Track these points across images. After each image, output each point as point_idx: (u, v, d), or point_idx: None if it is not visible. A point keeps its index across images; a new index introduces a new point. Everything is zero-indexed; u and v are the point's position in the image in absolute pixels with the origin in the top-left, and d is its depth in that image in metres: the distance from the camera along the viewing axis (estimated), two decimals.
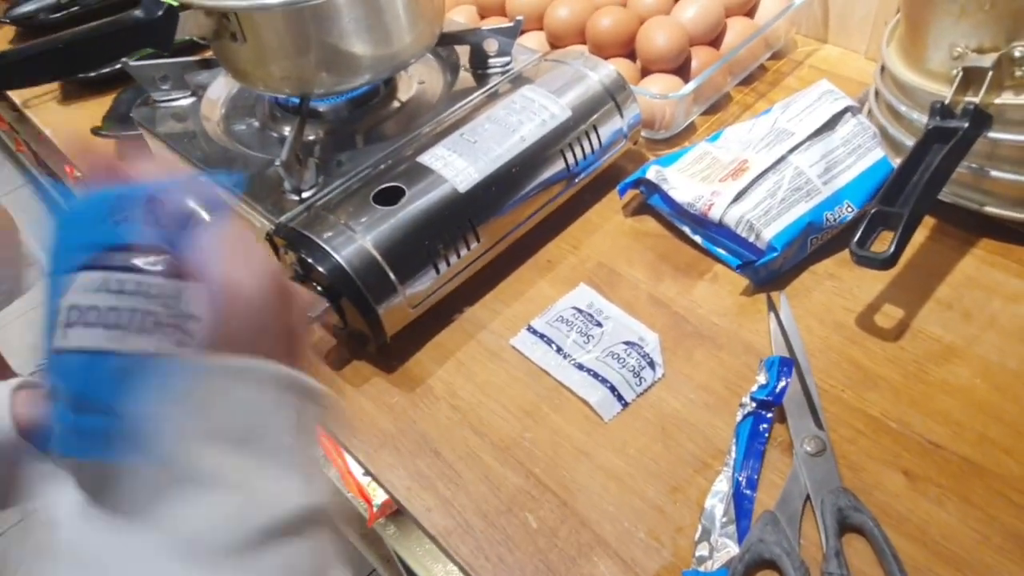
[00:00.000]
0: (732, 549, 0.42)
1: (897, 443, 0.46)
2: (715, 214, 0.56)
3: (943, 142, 0.51)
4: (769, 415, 0.47)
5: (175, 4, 0.51)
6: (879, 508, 0.43)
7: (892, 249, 0.47)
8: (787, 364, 0.48)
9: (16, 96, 0.89)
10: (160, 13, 0.49)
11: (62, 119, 0.84)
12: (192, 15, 0.52)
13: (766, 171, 0.57)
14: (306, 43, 0.55)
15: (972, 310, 0.53)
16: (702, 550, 0.43)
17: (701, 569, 0.42)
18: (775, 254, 0.54)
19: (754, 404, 0.48)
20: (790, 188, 0.56)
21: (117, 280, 0.23)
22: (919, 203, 0.48)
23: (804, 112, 0.60)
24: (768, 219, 0.55)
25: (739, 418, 0.48)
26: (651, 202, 0.62)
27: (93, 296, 0.22)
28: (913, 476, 0.45)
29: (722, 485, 0.45)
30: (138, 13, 0.49)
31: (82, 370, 0.23)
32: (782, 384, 0.47)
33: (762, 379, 0.48)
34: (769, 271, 0.56)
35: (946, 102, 0.52)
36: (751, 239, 0.55)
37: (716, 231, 0.58)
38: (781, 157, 0.57)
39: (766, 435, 0.47)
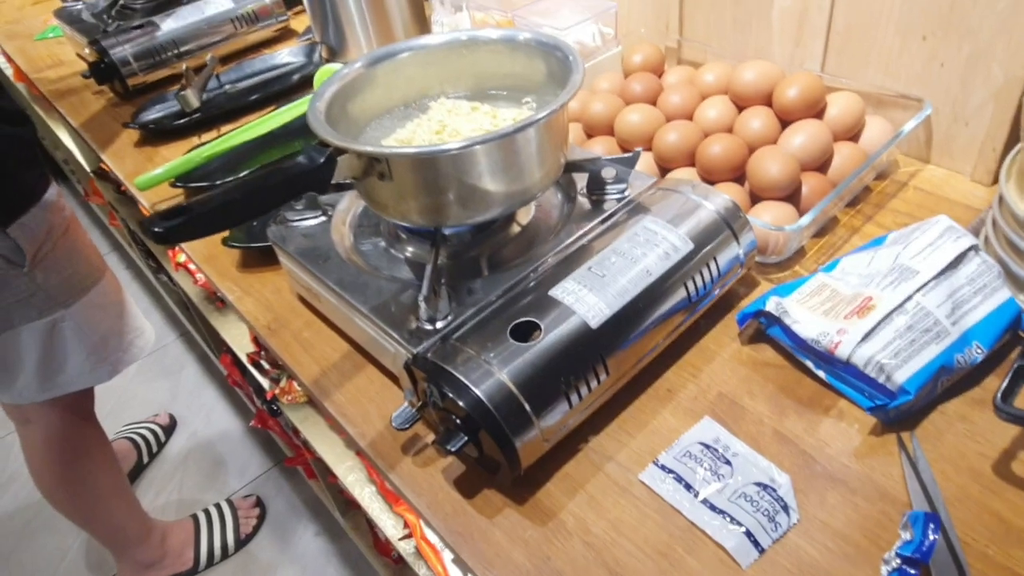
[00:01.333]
0: None
1: None
2: (843, 352, 0.57)
3: None
4: (915, 572, 0.47)
5: (333, 150, 0.54)
6: None
7: None
8: (933, 520, 0.47)
9: (132, 184, 0.95)
10: (322, 161, 0.53)
11: None
12: (348, 159, 0.56)
13: (893, 311, 0.57)
14: (445, 183, 0.59)
15: None
16: None
17: None
18: (909, 397, 0.54)
19: (899, 561, 0.47)
20: (919, 329, 0.56)
21: None
22: None
23: (927, 249, 0.60)
24: (899, 361, 0.55)
25: (884, 574, 0.47)
26: (771, 333, 0.63)
27: None
28: None
29: None
30: (302, 160, 0.53)
31: None
32: (930, 540, 0.47)
33: (907, 535, 0.48)
34: (900, 412, 0.56)
35: None
36: (881, 380, 0.55)
37: (842, 369, 0.58)
38: (908, 296, 0.58)
39: None
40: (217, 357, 1.66)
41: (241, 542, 1.53)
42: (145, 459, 1.73)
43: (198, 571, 1.49)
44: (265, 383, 1.18)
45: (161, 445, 1.77)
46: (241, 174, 0.90)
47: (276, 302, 0.76)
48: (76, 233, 1.03)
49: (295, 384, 1.08)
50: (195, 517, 1.55)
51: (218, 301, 1.34)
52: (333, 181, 0.55)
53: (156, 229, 0.46)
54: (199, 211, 0.48)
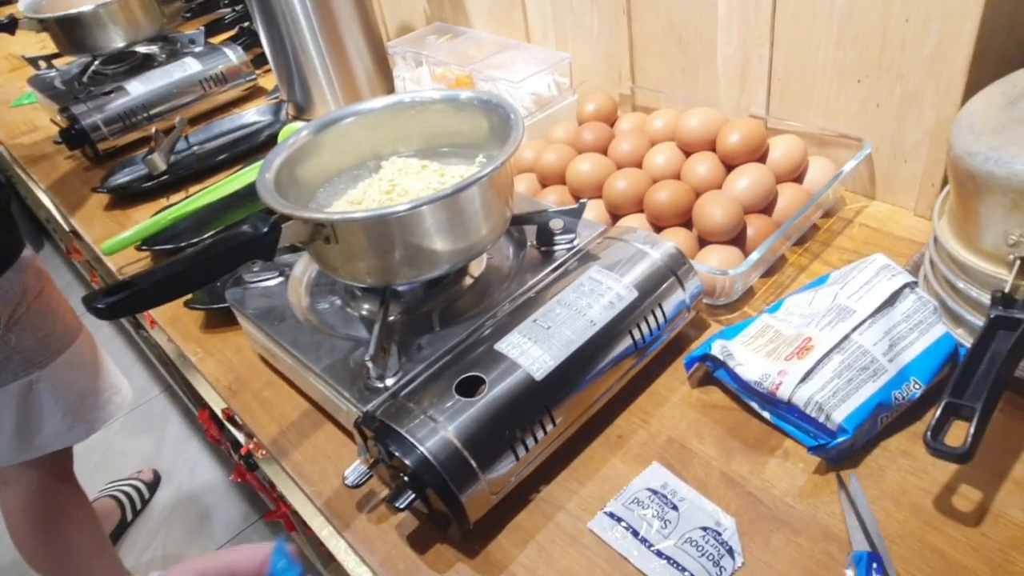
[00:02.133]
0: None
1: None
2: (783, 393, 0.58)
3: (1009, 330, 0.52)
4: None
5: (277, 218, 0.56)
6: None
7: (968, 444, 0.48)
8: (876, 560, 0.48)
9: (99, 249, 0.96)
10: (266, 230, 0.54)
11: None
12: (292, 225, 0.57)
13: (831, 351, 0.59)
14: (391, 244, 0.60)
15: None
16: None
17: None
18: (847, 436, 0.55)
19: None
20: (856, 367, 0.57)
21: None
22: (991, 396, 0.49)
23: (863, 288, 0.62)
24: (837, 400, 0.56)
25: None
26: (717, 376, 0.64)
27: None
28: None
29: None
30: (247, 229, 0.54)
31: None
32: None
33: (851, 575, 0.48)
34: (841, 451, 0.57)
35: (1006, 290, 0.54)
36: (821, 419, 0.56)
37: (785, 409, 0.59)
38: (845, 336, 0.59)
39: None
40: (197, 411, 1.66)
41: None
42: (129, 516, 1.71)
43: None
44: (240, 437, 1.18)
45: (145, 502, 1.76)
46: (207, 235, 0.92)
47: (238, 362, 0.77)
48: (51, 293, 1.04)
49: None
50: None
51: None
52: (280, 246, 0.57)
53: (98, 306, 0.48)
54: (141, 286, 0.49)
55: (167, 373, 1.87)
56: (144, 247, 0.92)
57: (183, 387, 1.72)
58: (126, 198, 1.09)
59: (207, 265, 0.52)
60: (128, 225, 1.00)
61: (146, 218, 0.97)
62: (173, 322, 0.84)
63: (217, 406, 1.24)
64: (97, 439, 1.86)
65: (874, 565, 0.48)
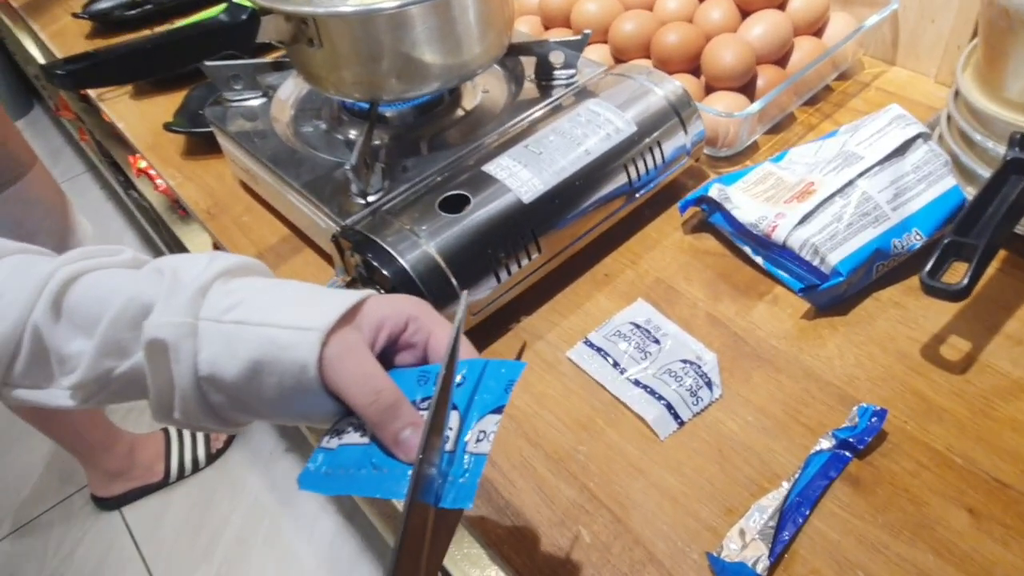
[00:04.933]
0: (763, 553, 0.42)
1: (962, 479, 0.45)
2: (779, 236, 0.56)
3: (1022, 174, 0.49)
4: (848, 455, 0.47)
5: (256, 9, 0.52)
6: (941, 545, 0.42)
7: (966, 281, 0.46)
8: (880, 416, 0.47)
9: (91, 90, 0.92)
10: (244, 18, 0.50)
11: (135, 113, 0.86)
12: (273, 20, 0.53)
13: (833, 194, 0.56)
14: (379, 50, 0.56)
15: None
16: (732, 542, 0.43)
17: (723, 557, 0.42)
18: (840, 279, 0.53)
19: (835, 441, 0.47)
20: (857, 213, 0.55)
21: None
22: (995, 235, 0.47)
23: (874, 136, 0.59)
24: (834, 243, 0.54)
25: (814, 450, 0.47)
26: (712, 220, 0.62)
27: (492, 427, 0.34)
28: (978, 514, 0.44)
29: (773, 501, 0.45)
30: (223, 17, 0.50)
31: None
32: (870, 432, 0.46)
33: (851, 422, 0.47)
34: (832, 296, 0.55)
35: None
36: (815, 263, 0.55)
37: (779, 253, 0.57)
38: (849, 181, 0.56)
39: (838, 471, 0.46)
40: None
41: (212, 456, 1.54)
42: None
43: (168, 483, 1.51)
44: None
45: None
46: None
47: (218, 188, 0.74)
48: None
49: None
50: (166, 431, 1.55)
51: (180, 210, 1.32)
52: (257, 41, 0.53)
53: (58, 72, 0.44)
54: (105, 57, 0.46)
55: (157, 236, 1.85)
56: None
57: (175, 249, 1.70)
58: (109, 27, 1.03)
59: (177, 47, 0.49)
60: None
61: None
62: (153, 148, 0.81)
63: (207, 235, 1.22)
64: None
65: (875, 419, 0.47)
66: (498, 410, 0.34)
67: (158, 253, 2.04)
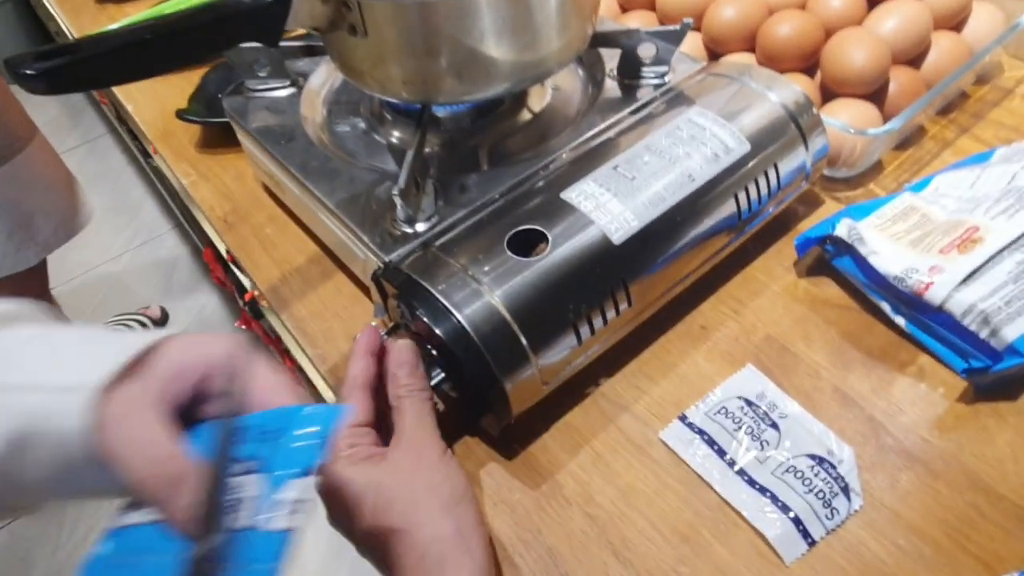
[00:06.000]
0: None
1: None
2: (934, 296, 0.44)
3: None
4: None
5: None
6: None
7: None
8: None
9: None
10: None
11: (145, 94, 0.76)
12: (307, 2, 0.42)
13: (1007, 247, 0.44)
14: (437, 43, 0.45)
15: None
16: None
17: None
18: (1018, 360, 0.41)
19: None
20: None
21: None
22: None
23: None
24: (1011, 313, 0.42)
25: None
26: (837, 264, 0.50)
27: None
28: None
29: None
30: None
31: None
32: None
33: None
34: (1003, 378, 0.43)
35: None
36: (983, 334, 0.43)
37: (931, 317, 0.45)
38: None
39: None
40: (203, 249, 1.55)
41: None
42: None
43: None
44: (246, 282, 1.06)
45: None
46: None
47: (237, 190, 0.64)
48: None
49: None
50: None
51: None
52: (288, 29, 0.42)
53: (26, 71, 0.33)
54: (89, 51, 0.35)
55: (175, 206, 1.75)
56: None
57: (191, 221, 1.61)
58: None
59: (184, 37, 0.38)
60: (119, 19, 0.85)
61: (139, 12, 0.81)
62: (165, 137, 0.70)
63: (222, 246, 1.12)
64: (102, 274, 1.77)
65: None
66: (307, 471, 0.29)
67: (176, 224, 1.95)
